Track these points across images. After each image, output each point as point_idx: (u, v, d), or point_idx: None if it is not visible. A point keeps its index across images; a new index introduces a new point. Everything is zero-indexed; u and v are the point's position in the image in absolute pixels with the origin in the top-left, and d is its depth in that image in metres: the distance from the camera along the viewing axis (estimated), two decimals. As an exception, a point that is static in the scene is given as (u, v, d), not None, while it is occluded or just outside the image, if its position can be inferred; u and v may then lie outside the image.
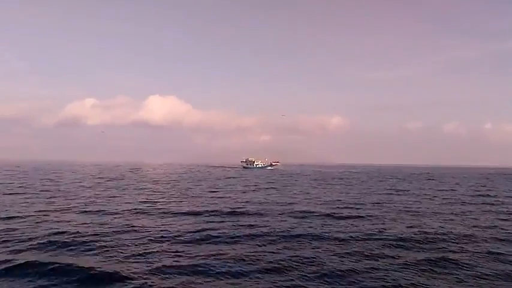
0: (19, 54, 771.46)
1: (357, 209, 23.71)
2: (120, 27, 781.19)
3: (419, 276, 10.34)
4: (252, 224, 17.64)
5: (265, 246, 13.49)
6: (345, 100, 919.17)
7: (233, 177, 66.21)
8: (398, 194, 35.17)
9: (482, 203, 28.38)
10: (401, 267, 10.99)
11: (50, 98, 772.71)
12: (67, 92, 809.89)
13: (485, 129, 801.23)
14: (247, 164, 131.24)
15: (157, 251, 12.37)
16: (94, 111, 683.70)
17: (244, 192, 35.20)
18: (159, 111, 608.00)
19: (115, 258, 11.64)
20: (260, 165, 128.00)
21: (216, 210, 21.73)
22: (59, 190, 33.75)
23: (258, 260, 11.59)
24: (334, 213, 21.41)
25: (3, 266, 10.46)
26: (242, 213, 20.91)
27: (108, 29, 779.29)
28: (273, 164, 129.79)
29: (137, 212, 21.03)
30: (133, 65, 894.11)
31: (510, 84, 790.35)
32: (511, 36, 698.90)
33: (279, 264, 11.12)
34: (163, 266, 10.75)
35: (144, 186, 40.62)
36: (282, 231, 15.78)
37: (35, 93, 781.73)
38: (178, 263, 11.08)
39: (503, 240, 15.05)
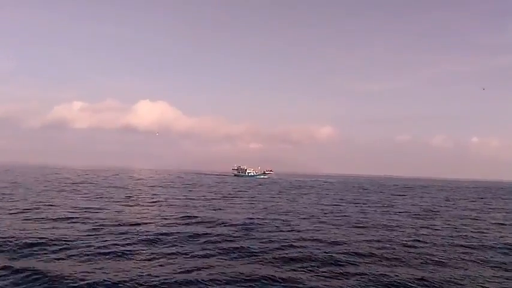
0: (8, 54, 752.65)
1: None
2: (112, 30, 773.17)
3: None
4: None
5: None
6: (336, 111, 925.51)
7: (214, 185, 63.35)
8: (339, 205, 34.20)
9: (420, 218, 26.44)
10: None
11: (37, 100, 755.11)
12: (55, 94, 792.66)
13: (472, 143, 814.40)
14: (239, 172, 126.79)
15: None
16: (82, 114, 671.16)
17: (205, 202, 32.81)
18: (148, 116, 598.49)
19: None
20: (252, 174, 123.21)
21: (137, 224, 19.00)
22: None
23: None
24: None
25: None
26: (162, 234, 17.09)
27: (99, 32, 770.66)
28: (266, 172, 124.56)
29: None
30: (124, 69, 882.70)
31: (497, 99, 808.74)
32: (500, 51, 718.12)
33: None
34: None
35: (100, 192, 38.06)
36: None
37: (22, 94, 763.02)
38: None
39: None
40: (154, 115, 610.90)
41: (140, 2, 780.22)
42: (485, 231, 21.28)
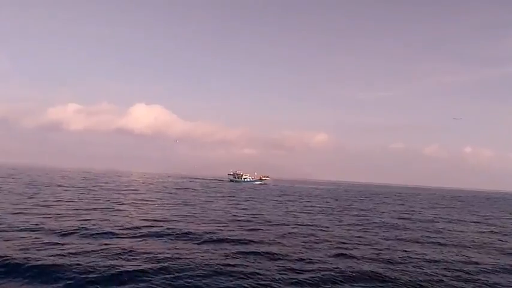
0: (3, 54, 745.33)
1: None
2: (109, 33, 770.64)
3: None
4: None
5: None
6: (332, 118, 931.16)
7: (201, 190, 61.32)
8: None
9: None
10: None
11: (32, 101, 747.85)
12: (50, 96, 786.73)
13: (465, 153, 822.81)
14: (235, 177, 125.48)
15: None
16: (77, 117, 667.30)
17: (182, 207, 31.63)
18: (143, 120, 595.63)
19: None
20: (248, 179, 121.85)
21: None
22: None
23: None
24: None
25: None
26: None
27: (96, 34, 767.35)
28: (263, 178, 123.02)
29: None
30: (120, 72, 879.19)
31: (490, 110, 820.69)
32: (493, 63, 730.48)
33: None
34: None
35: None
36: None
37: (17, 95, 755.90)
38: None
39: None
40: (149, 118, 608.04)
41: (137, 4, 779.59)
42: (445, 245, 20.49)
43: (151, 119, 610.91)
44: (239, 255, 15.01)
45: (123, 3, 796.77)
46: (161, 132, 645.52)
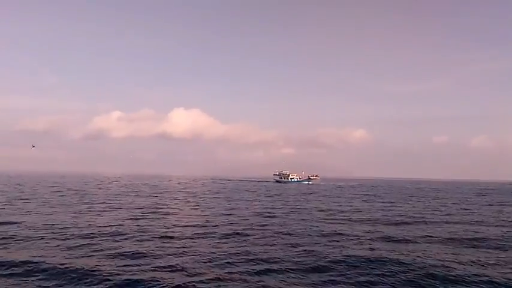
0: (50, 69, 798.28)
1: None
2: (146, 41, 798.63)
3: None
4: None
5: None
6: (370, 114, 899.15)
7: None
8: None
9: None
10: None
11: (78, 111, 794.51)
12: (94, 106, 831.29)
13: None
14: (281, 178, 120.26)
15: None
16: (119, 124, 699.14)
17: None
18: (183, 124, 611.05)
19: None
20: (296, 179, 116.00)
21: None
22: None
23: None
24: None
25: None
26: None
27: (135, 44, 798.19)
28: (311, 177, 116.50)
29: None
30: (159, 78, 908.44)
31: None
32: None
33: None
34: None
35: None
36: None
37: (64, 107, 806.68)
38: None
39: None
40: (188, 122, 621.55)
41: (171, 12, 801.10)
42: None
43: (190, 123, 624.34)
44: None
45: (155, 13, 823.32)
46: (200, 135, 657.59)
